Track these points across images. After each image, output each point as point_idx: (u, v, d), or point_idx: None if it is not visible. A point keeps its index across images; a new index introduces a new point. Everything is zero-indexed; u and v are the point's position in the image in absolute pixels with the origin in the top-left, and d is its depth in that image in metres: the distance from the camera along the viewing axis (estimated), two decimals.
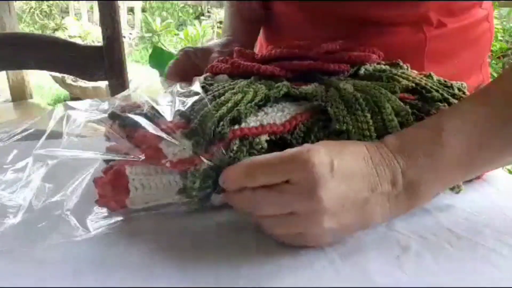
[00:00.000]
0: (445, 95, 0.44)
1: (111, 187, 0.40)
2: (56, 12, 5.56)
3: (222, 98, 0.42)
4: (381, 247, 0.38)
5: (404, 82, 0.45)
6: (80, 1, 5.30)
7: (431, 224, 0.41)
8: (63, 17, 5.41)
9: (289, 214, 0.34)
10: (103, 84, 2.81)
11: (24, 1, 5.46)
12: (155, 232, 0.40)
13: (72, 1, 5.46)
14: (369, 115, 0.40)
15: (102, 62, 0.95)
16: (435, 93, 0.44)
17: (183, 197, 0.40)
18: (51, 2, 5.56)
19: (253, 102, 0.41)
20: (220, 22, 4.51)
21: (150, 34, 4.74)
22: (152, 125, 0.38)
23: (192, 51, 0.61)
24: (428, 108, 0.43)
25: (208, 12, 5.66)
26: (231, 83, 0.46)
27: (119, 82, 0.96)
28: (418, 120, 0.41)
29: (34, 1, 5.52)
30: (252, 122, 0.40)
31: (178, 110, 0.40)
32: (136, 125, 0.38)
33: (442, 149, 0.35)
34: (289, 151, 0.35)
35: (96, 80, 0.98)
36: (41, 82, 3.87)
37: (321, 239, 0.36)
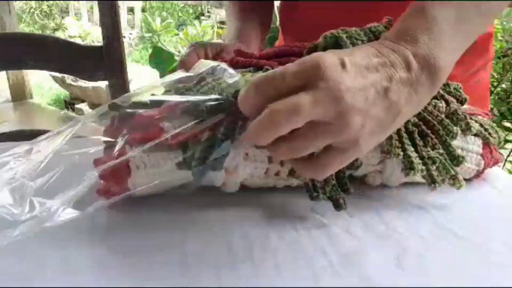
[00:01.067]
0: (441, 92, 0.45)
1: (112, 166, 0.39)
2: (56, 12, 5.55)
3: (221, 80, 0.42)
4: (381, 247, 0.38)
5: None
6: (80, 1, 5.30)
7: (431, 224, 0.41)
8: (63, 17, 5.40)
9: (316, 125, 0.33)
10: (103, 84, 2.82)
11: (24, 1, 5.45)
12: (154, 230, 0.40)
13: (72, 1, 5.46)
14: (359, 29, 0.42)
15: (102, 62, 0.94)
16: None
17: (182, 172, 0.40)
18: (51, 2, 5.56)
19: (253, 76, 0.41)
20: (220, 22, 4.50)
21: (150, 34, 4.73)
22: (152, 109, 0.38)
23: (204, 46, 0.60)
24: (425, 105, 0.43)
25: (208, 12, 5.65)
26: None
27: (119, 82, 0.96)
28: (419, 133, 0.43)
29: (34, 1, 5.51)
30: None
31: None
32: (136, 113, 0.39)
33: (436, 21, 0.37)
34: (296, 61, 0.33)
35: (96, 80, 0.98)
36: (41, 82, 3.87)
37: (359, 142, 0.34)
